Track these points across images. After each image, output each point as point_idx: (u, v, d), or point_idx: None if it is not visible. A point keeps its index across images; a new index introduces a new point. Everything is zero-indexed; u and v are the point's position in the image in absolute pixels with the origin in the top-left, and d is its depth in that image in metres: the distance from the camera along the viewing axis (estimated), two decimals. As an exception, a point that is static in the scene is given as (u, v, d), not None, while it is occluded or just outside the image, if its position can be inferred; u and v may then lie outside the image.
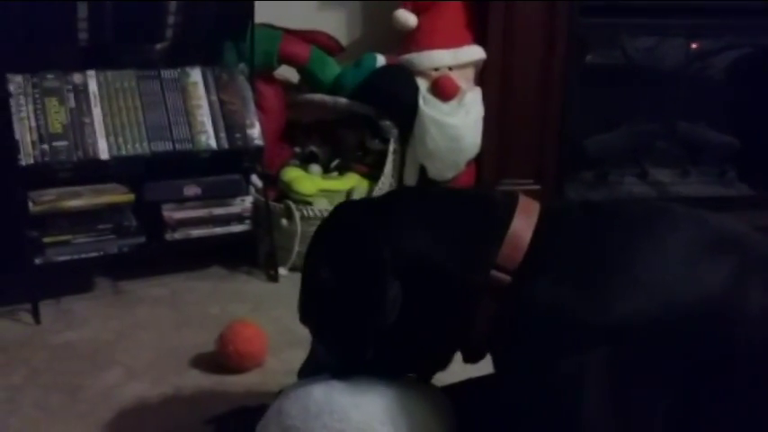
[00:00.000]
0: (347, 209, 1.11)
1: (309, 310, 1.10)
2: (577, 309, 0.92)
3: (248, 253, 2.14)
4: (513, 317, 0.95)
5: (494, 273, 0.96)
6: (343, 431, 0.98)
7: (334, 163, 2.23)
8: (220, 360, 1.50)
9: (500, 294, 0.96)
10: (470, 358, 1.08)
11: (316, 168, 2.20)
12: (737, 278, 0.92)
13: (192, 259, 2.10)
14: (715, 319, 0.90)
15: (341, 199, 2.05)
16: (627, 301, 0.91)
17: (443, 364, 1.09)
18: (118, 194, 1.84)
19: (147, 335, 1.70)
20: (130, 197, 1.85)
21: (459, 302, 0.98)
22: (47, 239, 1.76)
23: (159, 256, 2.00)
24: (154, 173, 1.93)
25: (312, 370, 1.16)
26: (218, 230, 1.98)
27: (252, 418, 1.15)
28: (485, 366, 1.08)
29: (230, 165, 2.03)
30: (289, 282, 2.03)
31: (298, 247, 2.01)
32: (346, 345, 1.03)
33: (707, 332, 0.90)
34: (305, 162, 2.23)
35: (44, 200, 1.75)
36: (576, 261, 0.96)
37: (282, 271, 2.06)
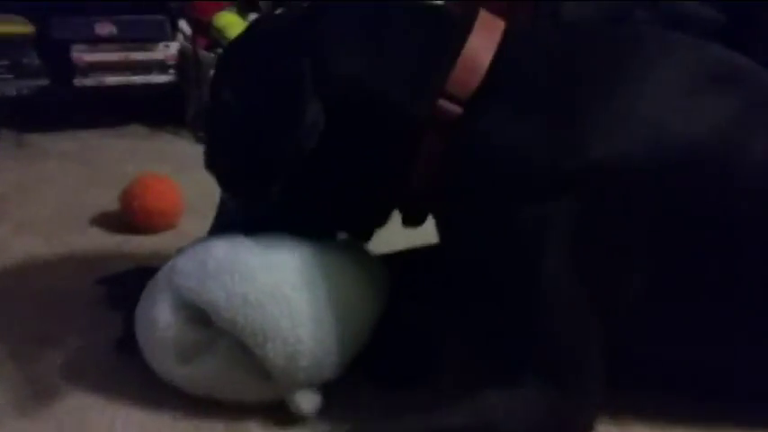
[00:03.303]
0: (263, 20, 0.88)
1: (214, 149, 0.89)
2: (543, 148, 0.73)
3: (174, 111, 1.91)
4: (462, 158, 0.76)
5: (441, 102, 0.76)
6: (245, 295, 0.79)
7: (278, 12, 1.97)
8: (126, 218, 1.30)
9: (448, 129, 0.76)
10: (410, 219, 0.90)
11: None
12: (740, 116, 0.74)
13: (110, 115, 1.87)
14: (711, 165, 0.72)
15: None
16: (604, 140, 0.72)
17: (377, 220, 0.90)
18: (15, 25, 1.57)
19: (48, 190, 1.48)
20: (30, 29, 1.58)
21: (396, 138, 0.78)
22: (-73, 73, 1.50)
23: (69, 106, 1.76)
24: (62, 7, 1.66)
25: (221, 229, 0.97)
26: (137, 79, 1.74)
27: (150, 279, 0.97)
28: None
29: (154, 5, 1.76)
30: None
31: (230, 105, 1.78)
32: (254, 181, 0.83)
33: (700, 182, 0.73)
34: (244, 11, 1.96)
35: None
36: (544, 91, 0.76)
37: (213, 132, 1.83)
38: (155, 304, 0.83)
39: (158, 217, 1.27)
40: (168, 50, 1.74)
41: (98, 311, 1.03)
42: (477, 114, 0.75)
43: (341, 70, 0.76)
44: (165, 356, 0.83)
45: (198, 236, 1.30)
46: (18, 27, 1.56)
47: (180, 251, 0.91)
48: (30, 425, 0.81)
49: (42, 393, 0.86)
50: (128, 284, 1.05)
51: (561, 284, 0.72)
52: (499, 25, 0.80)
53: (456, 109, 0.75)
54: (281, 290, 0.80)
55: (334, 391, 0.84)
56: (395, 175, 0.81)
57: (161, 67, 1.74)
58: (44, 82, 1.63)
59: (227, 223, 0.96)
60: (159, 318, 0.82)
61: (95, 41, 1.66)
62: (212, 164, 0.90)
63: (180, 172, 1.62)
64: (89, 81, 1.67)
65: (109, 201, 1.38)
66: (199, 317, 0.82)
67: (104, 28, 1.66)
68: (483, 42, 0.77)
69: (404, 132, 0.77)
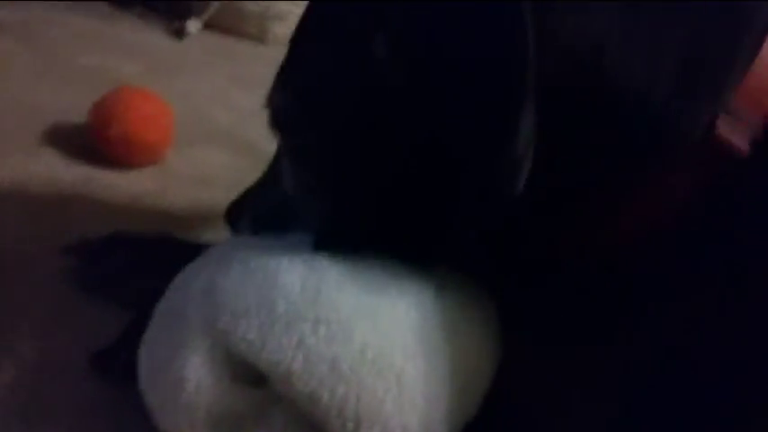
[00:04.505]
0: None
1: (315, 108, 0.50)
2: None
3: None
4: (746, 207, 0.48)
5: (722, 128, 0.47)
6: (335, 359, 0.51)
7: None
8: (95, 144, 0.96)
9: (728, 167, 0.48)
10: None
11: None
12: None
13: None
14: None
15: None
16: None
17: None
18: None
19: (-21, 80, 1.11)
20: None
21: (644, 163, 0.49)
22: None
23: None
24: None
25: (268, 214, 0.67)
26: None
27: (143, 264, 0.68)
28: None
29: None
30: (199, 44, 1.46)
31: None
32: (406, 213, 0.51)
33: None
34: None
35: None
36: None
37: (193, 26, 1.47)
38: (181, 349, 0.53)
39: (142, 151, 0.94)
40: None
41: (66, 295, 0.73)
42: None
43: (573, 43, 0.45)
44: (193, 426, 0.55)
45: (184, 176, 1.00)
46: None
47: (211, 256, 0.61)
48: None
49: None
50: (110, 260, 0.75)
51: None
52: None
53: (744, 145, 0.47)
54: (388, 358, 0.52)
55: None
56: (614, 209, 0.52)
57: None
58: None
59: (278, 201, 0.64)
60: (188, 374, 0.53)
61: None
62: (299, 129, 0.54)
63: (152, 75, 1.28)
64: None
65: (65, 107, 1.04)
66: (249, 375, 0.53)
67: None
68: None
69: (656, 156, 0.48)
